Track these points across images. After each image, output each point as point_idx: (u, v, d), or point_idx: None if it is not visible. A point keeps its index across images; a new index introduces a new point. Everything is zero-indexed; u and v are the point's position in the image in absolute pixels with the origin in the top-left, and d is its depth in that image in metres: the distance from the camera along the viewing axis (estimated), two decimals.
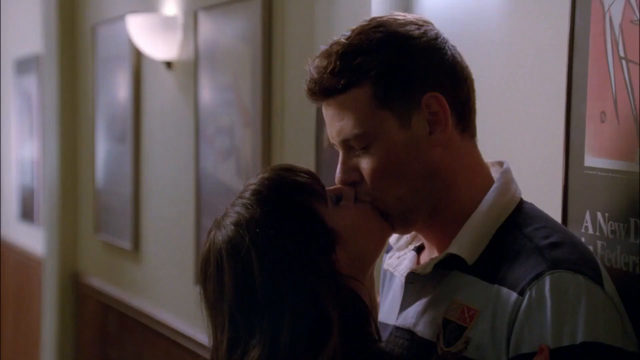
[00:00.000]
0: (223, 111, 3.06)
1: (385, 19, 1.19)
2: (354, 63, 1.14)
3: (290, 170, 1.18)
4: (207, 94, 3.17)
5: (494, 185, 1.19)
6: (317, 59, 1.17)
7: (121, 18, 3.66)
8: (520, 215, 1.17)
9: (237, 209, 1.14)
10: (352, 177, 1.18)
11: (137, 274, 3.87)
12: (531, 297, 1.07)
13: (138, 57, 3.72)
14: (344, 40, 1.16)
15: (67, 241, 4.53)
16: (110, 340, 4.14)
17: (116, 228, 4.01)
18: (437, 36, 1.18)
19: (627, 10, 1.30)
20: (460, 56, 1.20)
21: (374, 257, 1.20)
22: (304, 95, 1.20)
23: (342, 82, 1.15)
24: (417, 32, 1.17)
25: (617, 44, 1.31)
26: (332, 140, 1.20)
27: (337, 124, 1.17)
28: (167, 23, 3.37)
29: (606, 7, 1.33)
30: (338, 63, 1.15)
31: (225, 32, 3.02)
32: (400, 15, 1.19)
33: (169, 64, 3.44)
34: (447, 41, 1.19)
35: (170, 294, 3.52)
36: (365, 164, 1.17)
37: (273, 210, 1.13)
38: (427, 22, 1.20)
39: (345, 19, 2.26)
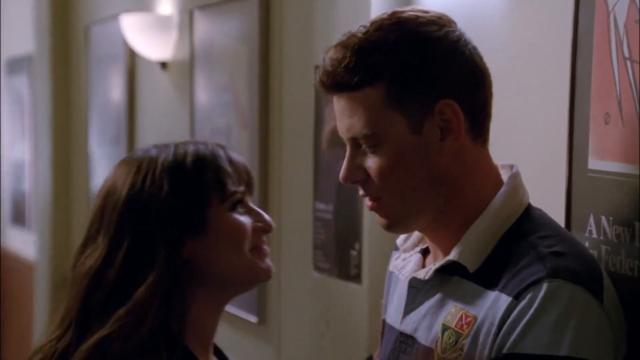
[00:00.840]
0: (219, 112, 3.03)
1: (406, 15, 1.15)
2: (370, 61, 1.12)
3: (227, 157, 1.21)
4: (203, 94, 3.15)
5: (501, 190, 1.17)
6: (332, 50, 1.14)
7: (115, 17, 3.64)
8: (527, 222, 1.15)
9: (169, 151, 1.21)
10: (356, 177, 1.17)
11: None
12: (525, 302, 1.06)
13: (132, 57, 3.70)
14: (361, 35, 1.13)
15: (60, 245, 4.50)
16: None
17: None
18: (458, 39, 1.14)
19: (632, 9, 1.28)
20: (481, 59, 1.17)
21: (226, 283, 1.22)
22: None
23: (355, 79, 1.12)
24: (437, 33, 1.13)
25: (621, 44, 1.29)
26: (340, 134, 1.19)
27: (347, 120, 1.15)
28: (162, 22, 3.35)
29: (610, 7, 1.32)
30: (353, 58, 1.12)
31: (222, 31, 3.00)
32: (423, 12, 1.15)
33: (164, 64, 3.42)
34: (468, 43, 1.15)
35: None
36: (372, 163, 1.15)
37: (180, 174, 1.18)
38: (450, 22, 1.16)
39: (344, 18, 2.24)
